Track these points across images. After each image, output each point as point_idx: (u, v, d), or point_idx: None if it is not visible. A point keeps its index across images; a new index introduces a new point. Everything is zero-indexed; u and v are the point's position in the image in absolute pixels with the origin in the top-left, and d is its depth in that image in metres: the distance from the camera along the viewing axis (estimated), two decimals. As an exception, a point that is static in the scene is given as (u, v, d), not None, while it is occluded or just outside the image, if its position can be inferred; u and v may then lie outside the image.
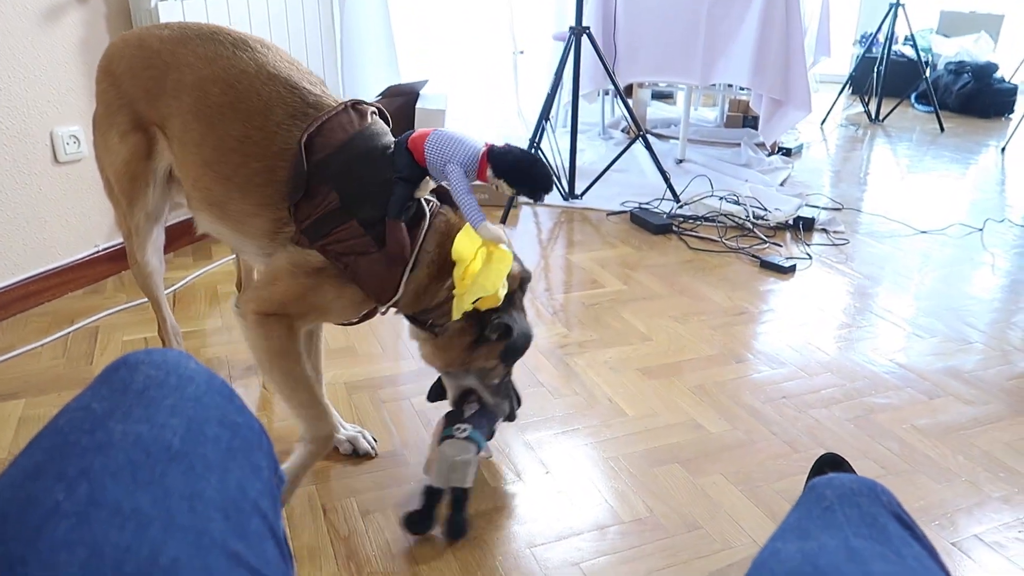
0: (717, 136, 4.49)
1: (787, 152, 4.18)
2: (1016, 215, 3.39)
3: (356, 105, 1.39)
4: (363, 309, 1.44)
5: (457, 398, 1.55)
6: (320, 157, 1.32)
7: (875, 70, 5.14)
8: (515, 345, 1.45)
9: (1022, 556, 1.41)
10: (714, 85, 3.94)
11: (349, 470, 1.61)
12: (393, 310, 1.44)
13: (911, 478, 1.62)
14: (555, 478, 1.60)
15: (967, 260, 2.85)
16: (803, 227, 3.03)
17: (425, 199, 1.40)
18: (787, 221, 3.07)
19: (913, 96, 5.49)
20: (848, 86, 5.36)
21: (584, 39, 3.23)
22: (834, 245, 2.94)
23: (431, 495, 1.42)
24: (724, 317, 2.33)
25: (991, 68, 5.43)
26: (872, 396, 1.92)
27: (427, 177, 1.36)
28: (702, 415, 1.82)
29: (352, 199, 1.32)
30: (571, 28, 3.22)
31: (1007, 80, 5.42)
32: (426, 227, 1.37)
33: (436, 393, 1.62)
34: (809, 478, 1.33)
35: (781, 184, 3.65)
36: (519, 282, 1.47)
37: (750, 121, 4.59)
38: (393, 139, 1.39)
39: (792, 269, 2.67)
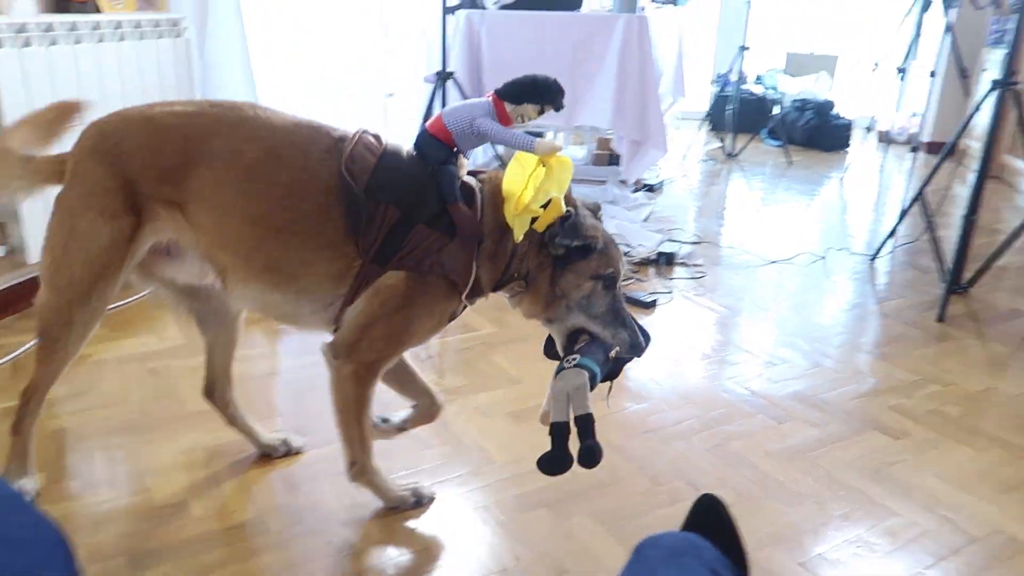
0: (585, 174, 4.64)
1: (650, 188, 4.38)
2: (855, 243, 3.68)
3: (365, 133, 1.47)
4: (448, 314, 1.49)
5: (568, 342, 1.47)
6: (365, 180, 1.39)
7: (729, 108, 5.48)
8: (579, 231, 1.38)
9: (860, 571, 1.51)
10: (580, 126, 4.08)
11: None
12: (482, 299, 1.50)
13: (763, 503, 1.71)
14: (424, 533, 1.58)
15: (814, 288, 3.06)
16: (665, 262, 3.17)
17: (467, 177, 1.46)
18: (650, 256, 3.21)
19: (764, 132, 5.89)
20: (706, 123, 5.68)
21: (450, 83, 3.29)
22: (693, 278, 3.09)
23: (559, 431, 1.34)
24: (592, 354, 2.39)
25: (829, 105, 5.91)
26: (729, 425, 2.02)
27: (460, 156, 1.44)
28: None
29: (409, 205, 1.39)
30: (437, 73, 3.27)
31: (843, 116, 5.91)
32: (480, 199, 1.43)
33: (550, 346, 1.55)
34: (687, 520, 1.37)
35: (645, 220, 3.81)
36: (582, 205, 1.48)
37: (616, 159, 4.78)
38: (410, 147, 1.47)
39: (653, 304, 2.78)
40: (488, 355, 2.38)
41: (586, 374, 1.34)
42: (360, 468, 1.57)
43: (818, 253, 3.46)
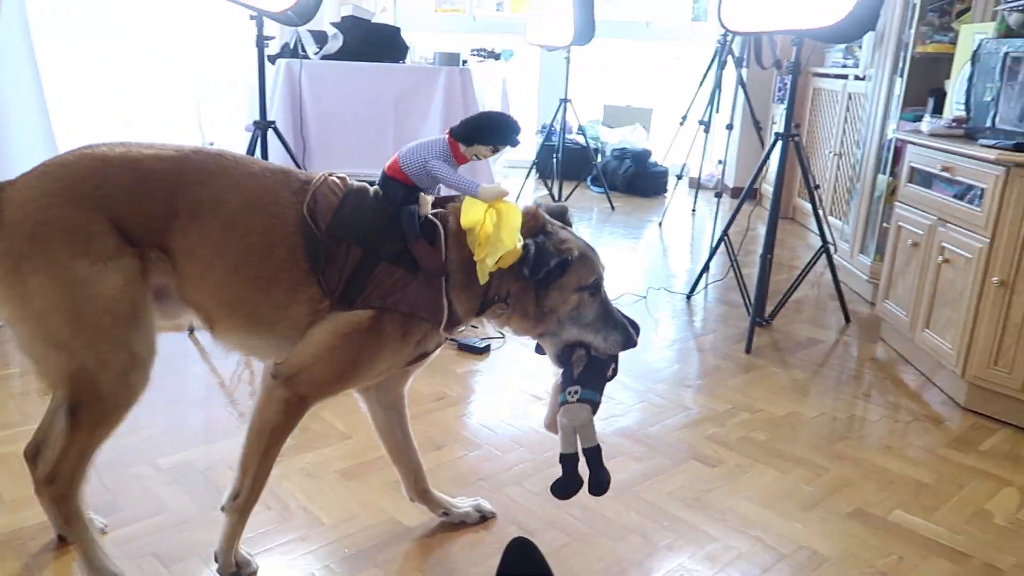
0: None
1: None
2: (675, 282, 3.92)
3: (331, 175, 1.48)
4: (418, 348, 1.48)
5: (562, 354, 1.52)
6: (327, 221, 1.39)
7: (554, 157, 5.72)
8: (548, 257, 1.40)
9: (683, 599, 1.57)
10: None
11: None
12: (460, 329, 1.50)
13: (592, 541, 1.74)
14: (243, 610, 1.47)
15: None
16: (496, 307, 3.22)
17: (431, 214, 1.45)
18: (482, 302, 3.24)
19: (588, 179, 6.19)
20: (534, 171, 5.89)
21: (271, 132, 3.20)
22: (525, 322, 3.15)
23: (568, 461, 1.46)
24: (425, 404, 2.37)
25: (646, 154, 6.33)
26: (559, 466, 2.05)
27: (421, 194, 1.44)
28: (400, 510, 1.80)
29: (371, 244, 1.40)
30: (255, 122, 3.17)
31: (659, 164, 6.34)
32: (443, 234, 1.42)
33: (540, 348, 1.60)
34: (500, 566, 1.37)
35: (478, 266, 3.86)
36: (548, 218, 1.49)
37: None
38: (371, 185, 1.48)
39: (487, 349, 2.81)
40: (315, 411, 2.27)
41: (589, 408, 1.44)
42: (243, 503, 1.48)
43: (640, 293, 3.65)
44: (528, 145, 6.44)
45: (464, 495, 1.87)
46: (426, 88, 3.56)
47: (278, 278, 1.39)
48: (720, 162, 5.63)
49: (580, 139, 5.99)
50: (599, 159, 6.32)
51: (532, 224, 1.45)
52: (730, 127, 4.97)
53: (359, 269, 1.39)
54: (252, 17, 3.04)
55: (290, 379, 1.41)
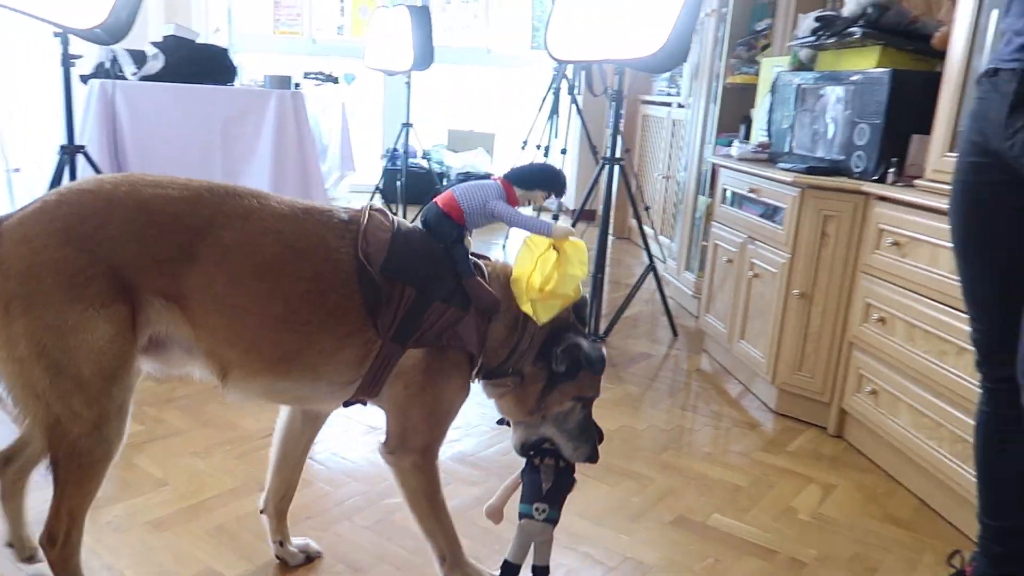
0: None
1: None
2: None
3: (372, 209, 1.45)
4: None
5: (525, 446, 1.59)
6: (380, 260, 1.37)
7: (398, 180, 5.69)
8: (592, 364, 1.46)
9: (511, 622, 1.57)
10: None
11: None
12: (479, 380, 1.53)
13: (424, 571, 1.71)
14: None
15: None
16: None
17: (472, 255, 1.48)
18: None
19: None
20: (377, 195, 5.84)
21: (81, 157, 2.97)
22: (364, 349, 3.09)
23: (510, 570, 1.51)
24: (252, 443, 2.26)
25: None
26: (392, 497, 2.01)
27: (467, 235, 1.46)
28: (220, 560, 1.70)
29: (426, 283, 1.39)
30: (62, 147, 2.94)
31: (504, 187, 6.45)
32: (488, 277, 1.46)
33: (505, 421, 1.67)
34: None
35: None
36: (574, 308, 1.53)
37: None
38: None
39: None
40: (129, 458, 2.12)
41: (552, 529, 1.52)
42: (453, 561, 1.53)
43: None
44: (373, 169, 6.38)
45: (292, 535, 1.79)
46: (256, 111, 3.44)
47: (329, 324, 1.36)
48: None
49: (424, 163, 6.00)
50: (444, 183, 6.36)
51: (564, 317, 1.50)
52: (564, 151, 5.14)
53: (413, 308, 1.39)
54: (56, 34, 2.83)
55: (402, 444, 1.46)
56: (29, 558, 1.59)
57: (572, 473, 1.58)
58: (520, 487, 1.58)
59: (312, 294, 1.34)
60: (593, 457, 1.55)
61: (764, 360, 2.76)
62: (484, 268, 1.49)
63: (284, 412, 1.68)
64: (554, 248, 1.44)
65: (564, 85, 5.12)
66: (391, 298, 1.38)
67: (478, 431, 2.44)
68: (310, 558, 1.73)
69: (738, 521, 2.01)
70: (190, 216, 1.30)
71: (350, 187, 6.27)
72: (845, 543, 1.95)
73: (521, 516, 1.53)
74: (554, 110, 5.19)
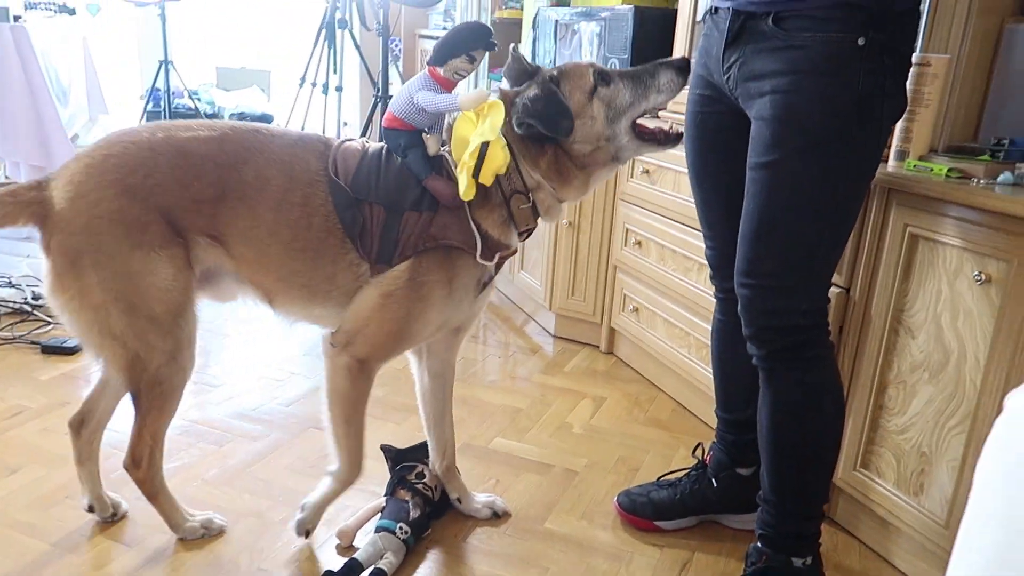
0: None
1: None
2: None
3: (349, 139, 1.48)
4: (465, 289, 1.46)
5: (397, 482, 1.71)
6: (348, 183, 1.41)
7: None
8: (532, 105, 1.37)
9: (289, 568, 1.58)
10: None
11: None
12: (507, 251, 1.47)
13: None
14: None
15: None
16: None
17: (442, 151, 1.44)
18: (74, 295, 2.86)
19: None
20: (140, 141, 5.33)
21: None
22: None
23: (353, 568, 1.52)
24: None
25: (268, 118, 6.08)
26: (167, 463, 1.91)
27: (423, 135, 1.41)
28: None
29: (393, 200, 1.40)
30: None
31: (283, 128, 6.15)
32: (450, 163, 1.42)
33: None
34: None
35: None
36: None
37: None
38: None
39: (79, 348, 2.49)
40: None
41: (404, 552, 1.58)
42: (342, 476, 1.56)
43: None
44: (133, 112, 5.80)
45: (40, 523, 1.65)
46: (-33, 49, 2.98)
47: (320, 248, 1.41)
48: (345, 123, 5.64)
49: (192, 103, 5.54)
50: (217, 125, 5.93)
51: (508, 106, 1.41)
52: (339, 88, 4.98)
53: (387, 225, 1.40)
54: None
55: (347, 345, 1.44)
56: (112, 515, 1.69)
57: (431, 518, 1.72)
58: (378, 513, 1.69)
59: (303, 219, 1.41)
60: (682, 70, 1.45)
61: (542, 288, 2.91)
62: (448, 159, 1.44)
63: (416, 376, 1.75)
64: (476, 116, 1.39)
65: (338, 18, 4.90)
66: (366, 219, 1.41)
67: (259, 385, 2.37)
68: (496, 515, 1.80)
69: (518, 441, 2.14)
70: (219, 155, 1.40)
71: (106, 132, 5.67)
72: (612, 448, 2.14)
73: (380, 530, 1.60)
74: (330, 44, 4.97)
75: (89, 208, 1.34)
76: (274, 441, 2.05)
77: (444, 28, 5.01)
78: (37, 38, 3.20)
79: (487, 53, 1.40)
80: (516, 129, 1.38)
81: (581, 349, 2.81)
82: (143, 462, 1.52)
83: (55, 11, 4.21)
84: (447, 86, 1.39)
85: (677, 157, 2.23)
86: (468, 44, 1.37)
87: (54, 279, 1.37)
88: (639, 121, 1.45)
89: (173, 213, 1.38)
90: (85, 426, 1.65)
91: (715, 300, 1.74)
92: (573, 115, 1.38)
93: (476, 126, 1.36)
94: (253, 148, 1.42)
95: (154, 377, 1.43)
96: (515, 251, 1.52)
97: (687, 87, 1.60)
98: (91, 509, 1.67)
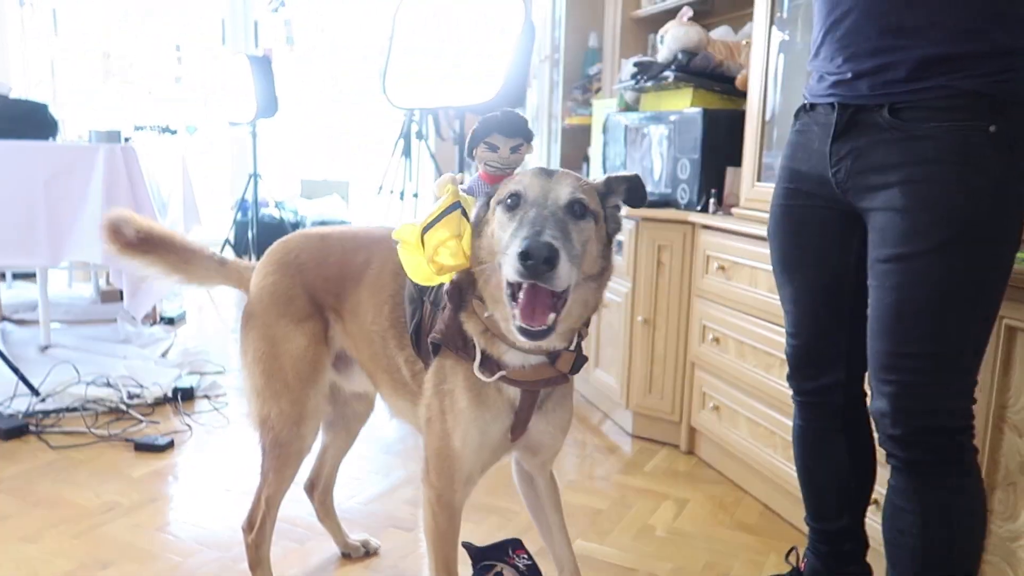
0: (93, 314, 4.20)
1: (170, 321, 4.13)
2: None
3: None
4: (505, 408, 1.35)
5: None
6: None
7: (249, 232, 5.52)
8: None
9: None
10: (75, 262, 3.69)
11: None
12: (511, 361, 1.31)
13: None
14: None
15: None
16: (182, 397, 2.98)
17: None
18: (165, 395, 2.99)
19: (290, 252, 6.02)
20: (227, 247, 5.64)
21: None
22: (216, 410, 2.96)
23: None
24: (90, 520, 2.10)
25: (347, 224, 6.38)
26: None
27: None
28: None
29: (439, 297, 1.37)
30: None
31: (361, 233, 6.41)
32: None
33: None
34: None
35: (163, 355, 3.56)
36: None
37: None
38: None
39: (170, 445, 2.58)
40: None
41: None
42: None
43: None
44: (223, 222, 6.16)
45: (134, 616, 1.68)
46: (82, 168, 3.24)
47: (387, 335, 1.47)
48: (418, 228, 5.85)
49: (277, 213, 5.86)
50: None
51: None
52: (416, 195, 5.19)
53: (414, 316, 1.42)
54: None
55: (425, 475, 1.42)
56: (365, 552, 1.97)
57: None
58: None
59: (381, 304, 1.49)
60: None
61: (618, 386, 2.88)
62: None
63: (517, 484, 1.67)
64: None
65: (414, 130, 5.17)
66: (424, 316, 1.42)
67: (338, 483, 2.38)
68: None
69: (599, 544, 2.07)
70: (345, 240, 1.59)
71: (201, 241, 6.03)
72: (698, 553, 2.05)
73: None
74: (407, 154, 5.23)
75: (259, 280, 1.60)
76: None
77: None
78: (143, 156, 3.48)
79: (522, 142, 1.27)
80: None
81: (660, 449, 2.75)
82: (255, 526, 1.64)
83: (159, 132, 4.59)
84: (491, 180, 1.29)
85: (752, 252, 2.23)
86: (480, 132, 1.28)
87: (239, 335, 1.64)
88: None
89: (313, 289, 1.57)
90: (316, 488, 1.93)
91: (796, 406, 1.66)
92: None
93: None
94: (372, 238, 1.56)
95: (276, 439, 1.58)
96: (533, 384, 1.32)
97: (778, 182, 1.59)
98: (346, 555, 1.96)
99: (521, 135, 1.25)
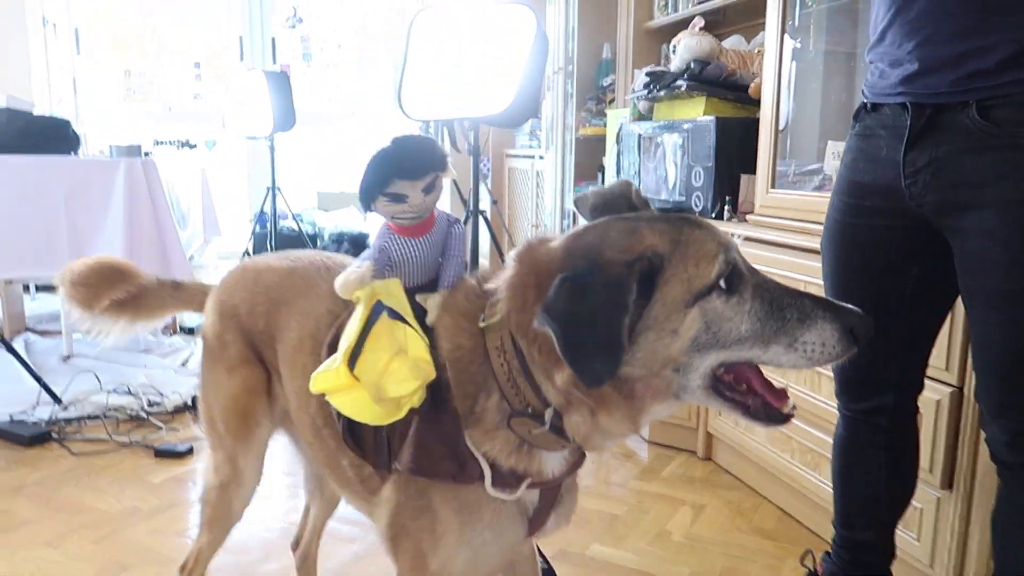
0: (113, 324, 4.25)
1: (190, 331, 4.18)
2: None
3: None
4: (519, 517, 1.04)
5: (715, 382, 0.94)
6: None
7: (268, 244, 5.58)
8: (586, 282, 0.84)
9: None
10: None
11: None
12: (549, 467, 1.00)
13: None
14: None
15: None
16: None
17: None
18: (185, 403, 3.02)
19: (307, 265, 6.09)
20: (247, 259, 5.70)
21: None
22: (234, 418, 2.98)
23: None
24: (111, 525, 2.13)
25: (363, 236, 6.42)
26: (265, 564, 1.95)
27: (420, 296, 1.04)
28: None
29: None
30: None
31: (377, 245, 6.46)
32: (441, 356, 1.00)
33: None
34: None
35: (183, 364, 3.60)
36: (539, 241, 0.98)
37: (149, 305, 4.48)
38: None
39: (189, 451, 2.61)
40: (-31, 557, 1.95)
41: None
42: None
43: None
44: (242, 234, 6.23)
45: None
46: (102, 182, 3.30)
47: (319, 422, 1.14)
48: (434, 240, 5.89)
49: (295, 225, 5.92)
50: (317, 244, 6.29)
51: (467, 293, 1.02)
52: (434, 207, 5.23)
53: (380, 427, 1.01)
54: None
55: None
56: None
57: None
58: None
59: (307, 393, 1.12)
60: (862, 333, 0.91)
61: (632, 393, 2.88)
62: (441, 317, 1.02)
63: None
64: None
65: (429, 143, 5.23)
66: None
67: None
68: None
69: (615, 549, 2.07)
70: (275, 290, 1.29)
71: (218, 253, 6.09)
72: (716, 558, 2.04)
73: None
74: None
75: (206, 318, 1.41)
76: (370, 544, 2.06)
77: (530, 147, 5.26)
78: (163, 170, 3.54)
79: (436, 175, 0.96)
80: (535, 325, 0.87)
81: (677, 455, 2.74)
82: (185, 572, 1.47)
83: (178, 146, 4.67)
84: (399, 231, 1.00)
85: (767, 259, 2.23)
86: (374, 183, 0.96)
87: None
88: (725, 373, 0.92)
89: (249, 335, 1.32)
90: (301, 546, 1.75)
91: (840, 416, 1.61)
92: (634, 337, 0.85)
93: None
94: (300, 288, 1.25)
95: (207, 496, 1.41)
96: (560, 479, 1.03)
97: (835, 194, 1.42)
98: None
99: (432, 168, 0.97)
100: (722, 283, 0.87)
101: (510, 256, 0.98)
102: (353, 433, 1.05)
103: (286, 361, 1.24)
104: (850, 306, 0.89)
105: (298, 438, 1.41)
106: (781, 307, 0.89)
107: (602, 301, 0.81)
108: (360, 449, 1.06)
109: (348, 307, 1.06)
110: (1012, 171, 1.12)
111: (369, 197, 0.99)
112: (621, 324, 0.82)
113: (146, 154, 3.57)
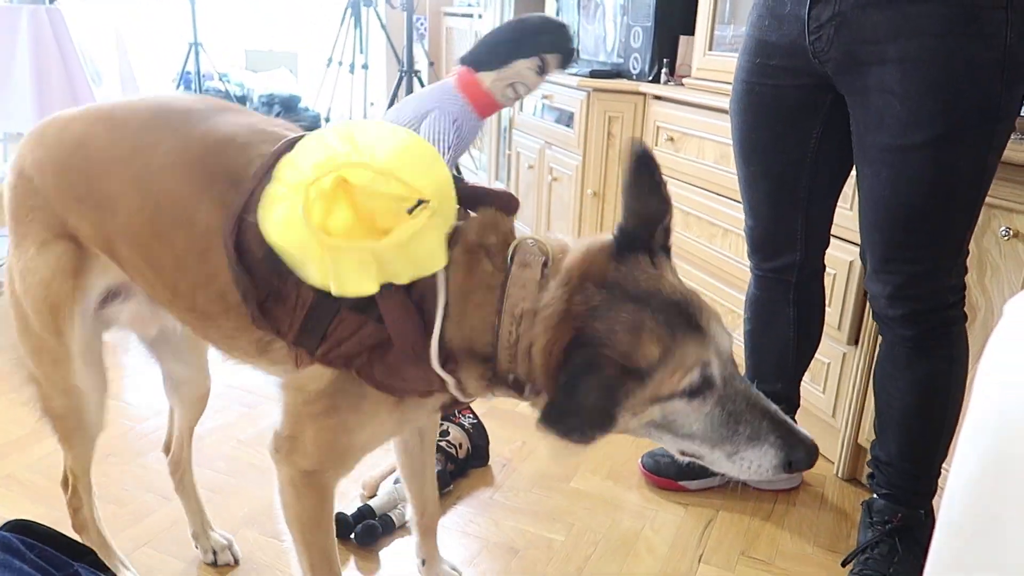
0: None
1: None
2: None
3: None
4: (424, 415, 1.10)
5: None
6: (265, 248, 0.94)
7: (194, 106, 5.32)
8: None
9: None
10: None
11: None
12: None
13: (239, 489, 1.73)
14: None
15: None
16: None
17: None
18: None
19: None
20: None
21: None
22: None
23: (364, 514, 1.59)
24: (41, 388, 2.12)
25: (296, 99, 6.15)
26: (201, 423, 1.98)
27: None
28: (14, 508, 1.61)
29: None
30: None
31: (310, 109, 6.22)
32: (442, 275, 0.93)
33: None
34: None
35: None
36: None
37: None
38: None
39: (119, 318, 2.57)
40: None
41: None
42: None
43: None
44: (164, 93, 5.91)
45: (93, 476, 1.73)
46: (6, 31, 3.05)
47: (213, 313, 1.03)
48: (371, 103, 5.68)
49: (222, 86, 5.63)
50: (246, 106, 6.01)
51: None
52: (365, 67, 5.02)
53: (313, 311, 0.94)
54: None
55: (287, 451, 1.05)
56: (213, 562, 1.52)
57: (455, 476, 1.75)
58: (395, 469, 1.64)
59: (187, 271, 1.03)
60: (782, 469, 0.91)
61: (566, 259, 2.92)
62: (452, 245, 0.95)
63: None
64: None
65: (362, -1, 4.94)
66: (284, 297, 0.97)
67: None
68: None
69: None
70: (93, 150, 1.04)
71: (139, 116, 5.79)
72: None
73: (399, 481, 1.58)
74: (356, 24, 5.01)
75: (8, 182, 1.12)
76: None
77: (469, 5, 5.02)
78: (71, 21, 3.28)
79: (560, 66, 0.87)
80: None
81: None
82: (70, 488, 1.34)
83: (88, -5, 4.30)
84: (484, 107, 0.90)
85: (701, 123, 2.23)
86: (543, 43, 0.87)
87: None
88: None
89: (56, 205, 1.09)
90: (169, 451, 1.53)
91: (752, 276, 1.69)
92: (617, 413, 0.87)
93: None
94: (139, 148, 1.03)
95: (51, 408, 1.22)
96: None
97: (742, 55, 1.46)
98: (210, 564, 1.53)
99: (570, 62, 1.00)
100: (689, 390, 0.89)
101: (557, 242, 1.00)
102: (265, 313, 0.99)
103: (157, 229, 1.02)
104: (805, 435, 0.91)
105: (146, 320, 1.24)
106: (738, 421, 0.91)
107: (595, 397, 0.84)
108: (275, 328, 0.99)
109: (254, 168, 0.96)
110: (910, 25, 1.14)
111: (517, 52, 0.90)
112: (610, 412, 0.86)
113: (51, 1, 3.28)
